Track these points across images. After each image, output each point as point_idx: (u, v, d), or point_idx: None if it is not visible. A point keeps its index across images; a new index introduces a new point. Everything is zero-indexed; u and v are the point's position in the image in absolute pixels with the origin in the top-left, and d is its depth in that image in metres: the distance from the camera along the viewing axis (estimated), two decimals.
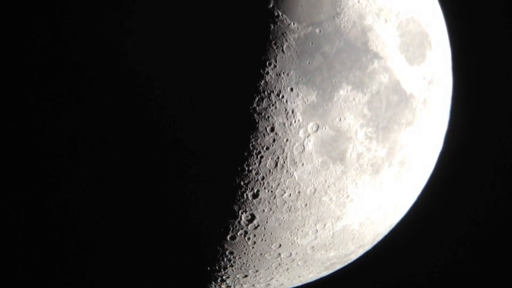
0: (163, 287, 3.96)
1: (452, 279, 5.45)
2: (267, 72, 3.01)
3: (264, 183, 3.15)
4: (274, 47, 3.01)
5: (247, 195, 3.16)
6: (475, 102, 5.24)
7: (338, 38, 3.09)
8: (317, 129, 3.10)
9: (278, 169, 3.13)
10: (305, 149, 3.11)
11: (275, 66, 3.02)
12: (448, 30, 3.74)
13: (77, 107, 3.09)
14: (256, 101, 3.02)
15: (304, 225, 3.32)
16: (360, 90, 3.14)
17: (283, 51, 3.02)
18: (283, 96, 3.04)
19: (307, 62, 3.04)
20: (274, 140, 3.08)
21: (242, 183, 3.13)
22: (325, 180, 3.21)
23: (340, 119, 3.12)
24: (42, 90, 3.12)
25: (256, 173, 3.12)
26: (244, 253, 3.38)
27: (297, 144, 3.09)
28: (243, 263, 3.44)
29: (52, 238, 3.71)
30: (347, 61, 3.11)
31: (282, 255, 3.44)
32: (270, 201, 3.20)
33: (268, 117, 3.04)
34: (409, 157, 3.42)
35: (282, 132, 3.07)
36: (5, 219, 3.65)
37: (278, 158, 3.11)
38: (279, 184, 3.16)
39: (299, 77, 3.03)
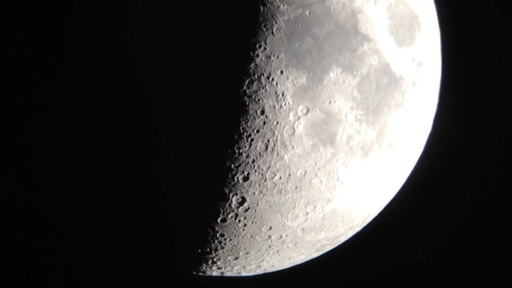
0: (155, 269, 3.97)
1: (443, 260, 5.50)
2: (257, 55, 3.00)
3: (254, 166, 3.16)
4: (264, 29, 3.00)
5: (237, 178, 3.17)
6: (464, 84, 5.26)
7: (328, 20, 3.09)
8: (307, 112, 3.10)
9: (268, 152, 3.13)
10: (295, 132, 3.12)
11: (265, 48, 3.01)
12: (437, 12, 3.74)
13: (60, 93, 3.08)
14: (246, 83, 3.01)
15: (294, 207, 3.34)
16: (350, 72, 3.14)
17: (273, 33, 3.01)
18: (273, 79, 3.03)
19: (297, 45, 3.03)
20: (264, 123, 3.08)
21: (233, 166, 3.13)
22: (315, 163, 3.22)
23: (330, 102, 3.12)
24: (41, 87, 3.11)
25: (247, 156, 3.13)
26: (235, 235, 3.40)
27: (287, 127, 3.10)
28: (234, 245, 3.46)
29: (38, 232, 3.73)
30: (337, 43, 3.10)
31: (273, 238, 3.46)
32: (261, 184, 3.21)
33: (259, 100, 3.04)
34: (399, 139, 3.44)
35: (272, 115, 3.07)
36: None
37: (268, 140, 3.11)
38: (269, 167, 3.17)
39: (289, 59, 3.03)
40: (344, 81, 3.13)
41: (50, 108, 3.11)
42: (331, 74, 3.10)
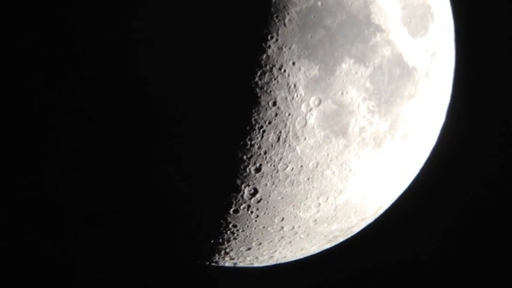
0: (168, 260, 4.00)
1: (455, 252, 5.49)
2: (269, 46, 3.00)
3: (266, 158, 3.16)
4: (276, 20, 3.00)
5: (250, 169, 3.18)
6: (478, 74, 5.22)
7: (340, 10, 3.07)
8: (319, 103, 3.10)
9: (280, 143, 3.14)
10: (307, 123, 3.11)
11: (277, 39, 3.00)
12: (451, 2, 3.71)
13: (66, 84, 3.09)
14: (258, 75, 3.01)
15: (306, 198, 3.34)
16: (362, 63, 3.13)
17: (285, 24, 3.00)
18: (285, 70, 3.03)
19: (309, 36, 3.03)
20: (276, 114, 3.08)
21: (245, 157, 3.14)
22: (328, 154, 3.22)
23: (343, 93, 3.12)
24: (44, 90, 3.12)
25: (259, 147, 3.13)
26: (248, 226, 3.42)
27: (299, 118, 3.10)
28: (246, 236, 3.48)
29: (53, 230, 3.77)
30: (349, 34, 3.09)
31: (285, 229, 3.47)
32: (273, 175, 3.21)
33: (271, 91, 3.04)
34: (412, 130, 3.43)
35: (284, 107, 3.07)
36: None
37: (280, 132, 3.11)
38: (281, 158, 3.17)
39: (301, 50, 3.02)
40: (356, 72, 3.12)
41: (55, 112, 3.13)
42: (344, 65, 3.09)
